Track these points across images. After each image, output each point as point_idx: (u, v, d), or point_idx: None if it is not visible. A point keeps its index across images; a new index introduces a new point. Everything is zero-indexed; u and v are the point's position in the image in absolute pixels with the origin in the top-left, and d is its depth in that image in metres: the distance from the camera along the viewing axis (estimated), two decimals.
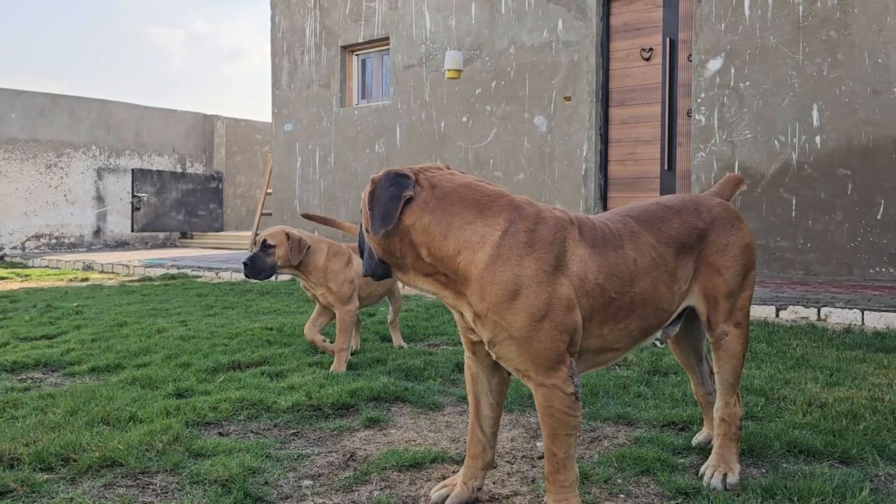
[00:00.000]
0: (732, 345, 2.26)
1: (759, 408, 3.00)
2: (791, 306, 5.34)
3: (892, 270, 6.93)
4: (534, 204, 1.99)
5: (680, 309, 2.24)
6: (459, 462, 2.47)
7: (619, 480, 2.29)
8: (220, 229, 16.21)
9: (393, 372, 3.71)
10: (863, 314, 5.03)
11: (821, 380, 3.45)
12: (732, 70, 7.78)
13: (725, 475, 2.23)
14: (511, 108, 9.39)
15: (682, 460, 2.46)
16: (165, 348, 4.34)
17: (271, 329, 4.95)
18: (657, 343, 4.30)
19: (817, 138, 7.33)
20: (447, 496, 2.11)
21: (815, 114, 7.35)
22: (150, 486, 2.27)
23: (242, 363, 3.95)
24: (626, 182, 8.73)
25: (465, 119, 9.81)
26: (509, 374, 2.16)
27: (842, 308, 5.14)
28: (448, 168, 2.03)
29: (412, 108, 10.34)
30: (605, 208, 8.85)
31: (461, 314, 1.98)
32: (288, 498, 2.19)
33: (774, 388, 3.29)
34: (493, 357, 1.94)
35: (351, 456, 2.56)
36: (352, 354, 4.23)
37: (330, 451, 2.61)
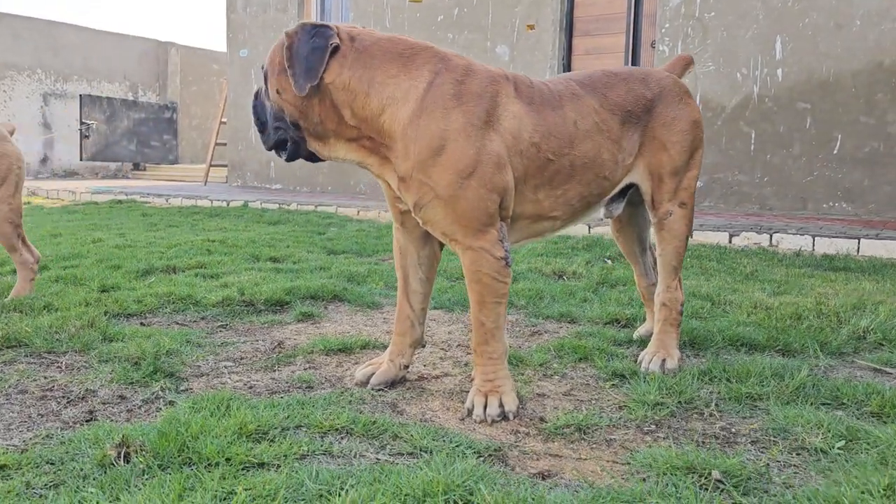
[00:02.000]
0: (676, 225, 2.16)
1: (705, 310, 2.94)
2: (744, 233, 5.31)
3: (844, 205, 6.96)
4: (463, 57, 1.84)
5: (623, 184, 2.13)
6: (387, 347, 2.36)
7: (555, 365, 2.20)
8: (175, 162, 15.74)
9: (335, 277, 3.57)
10: (813, 240, 5.02)
11: (768, 290, 3.41)
12: (698, 0, 7.62)
13: (664, 360, 2.15)
14: (473, 37, 9.12)
15: (621, 350, 2.38)
16: (98, 254, 4.13)
17: (213, 241, 4.76)
18: (607, 260, 4.22)
19: (779, 71, 7.26)
20: (372, 374, 2.00)
21: (777, 46, 7.26)
22: (55, 364, 2.12)
23: (178, 267, 3.77)
24: None
25: None
26: (441, 246, 2.04)
27: (793, 234, 5.13)
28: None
29: None
30: None
31: (388, 183, 1.84)
32: (203, 376, 2.06)
33: (722, 295, 3.24)
34: (420, 224, 1.80)
35: (279, 344, 2.43)
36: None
37: (257, 341, 2.48)
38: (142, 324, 2.66)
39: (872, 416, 1.78)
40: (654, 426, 1.73)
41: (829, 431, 1.62)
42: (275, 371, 2.11)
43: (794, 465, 1.50)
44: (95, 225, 5.83)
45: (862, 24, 6.82)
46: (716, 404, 1.84)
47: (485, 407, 1.76)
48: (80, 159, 14.40)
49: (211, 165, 12.22)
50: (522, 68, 8.73)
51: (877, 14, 6.74)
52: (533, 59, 8.66)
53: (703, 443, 1.62)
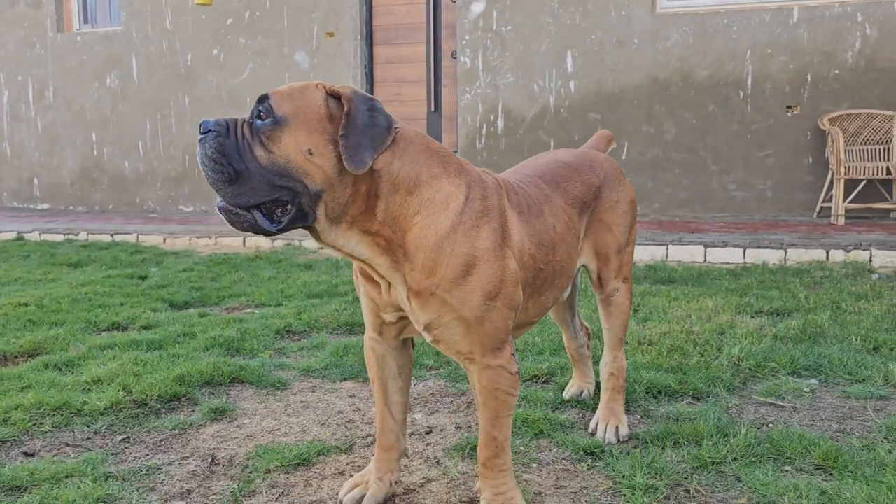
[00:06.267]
0: (622, 300, 2.28)
1: (598, 349, 3.12)
2: None
3: None
4: (468, 163, 1.77)
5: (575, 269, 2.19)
6: (347, 451, 2.22)
7: (521, 448, 2.22)
8: None
9: (211, 348, 3.26)
10: None
11: (632, 316, 3.71)
12: (495, 13, 7.97)
13: (617, 428, 2.27)
14: (269, 42, 8.72)
15: (562, 416, 2.46)
16: None
17: (26, 305, 4.09)
18: None
19: (571, 84, 7.85)
20: (362, 496, 1.87)
21: (568, 60, 7.84)
22: None
23: (8, 354, 3.20)
24: None
25: (215, 52, 8.92)
26: (412, 349, 1.96)
27: None
28: None
29: (150, 36, 9.14)
30: None
31: (384, 289, 1.70)
32: None
33: (593, 325, 3.46)
34: (429, 341, 1.71)
35: (212, 460, 2.17)
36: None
37: (183, 458, 2.20)
38: (26, 453, 2.22)
39: (819, 470, 2.02)
40: None
41: (812, 499, 1.81)
42: None
43: None
44: None
45: (639, 42, 7.59)
46: (696, 480, 1.98)
47: None
48: None
49: None
50: (324, 76, 8.53)
51: (651, 33, 7.54)
52: (334, 68, 8.50)
53: None
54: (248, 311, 4.12)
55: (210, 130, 1.52)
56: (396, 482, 1.92)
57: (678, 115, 7.56)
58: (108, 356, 3.12)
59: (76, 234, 7.13)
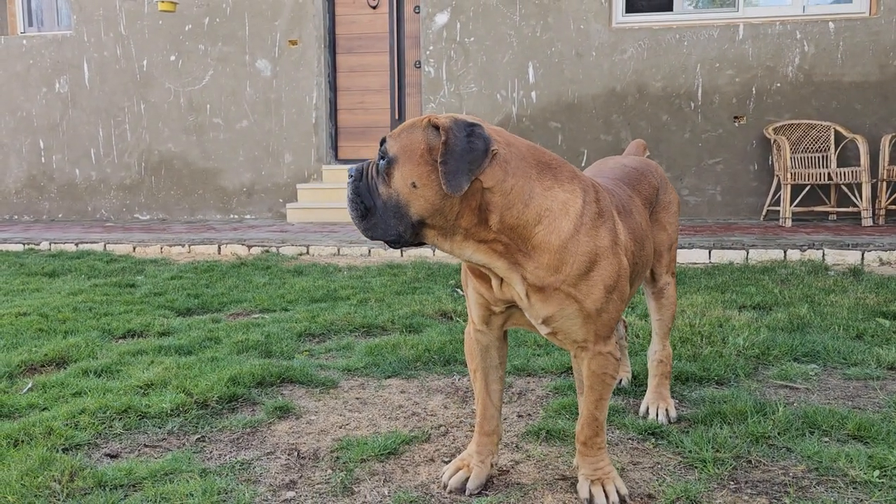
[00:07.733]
0: (671, 292, 2.50)
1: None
2: None
3: None
4: (578, 170, 1.94)
5: None
6: (427, 441, 2.35)
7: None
8: None
9: (242, 351, 3.31)
10: None
11: (631, 313, 3.95)
12: (458, 25, 8.19)
13: (667, 410, 2.48)
14: (229, 49, 8.67)
15: (611, 402, 2.65)
16: None
17: (27, 315, 4.02)
18: (457, 290, 4.48)
19: (533, 94, 8.14)
20: (466, 478, 2.00)
21: (530, 71, 8.13)
22: None
23: (34, 362, 3.17)
24: (358, 131, 8.73)
25: (173, 58, 8.80)
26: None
27: None
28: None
29: (104, 41, 8.94)
30: (336, 158, 8.76)
31: (495, 286, 1.84)
32: None
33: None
34: (544, 331, 1.86)
35: (298, 454, 2.26)
36: None
37: (269, 453, 2.27)
38: (109, 455, 2.26)
39: (854, 439, 2.28)
40: (733, 482, 2.03)
41: (862, 462, 2.06)
42: (355, 493, 1.99)
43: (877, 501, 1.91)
44: None
45: (597, 55, 7.94)
46: (754, 452, 2.20)
47: (606, 496, 1.90)
48: None
49: None
50: (287, 84, 8.55)
51: (608, 46, 7.90)
52: (298, 76, 8.53)
53: (788, 492, 1.96)
54: (256, 316, 4.16)
55: (351, 176, 1.76)
56: (495, 464, 2.07)
57: (634, 124, 7.94)
58: (143, 361, 3.13)
59: (37, 244, 6.93)
